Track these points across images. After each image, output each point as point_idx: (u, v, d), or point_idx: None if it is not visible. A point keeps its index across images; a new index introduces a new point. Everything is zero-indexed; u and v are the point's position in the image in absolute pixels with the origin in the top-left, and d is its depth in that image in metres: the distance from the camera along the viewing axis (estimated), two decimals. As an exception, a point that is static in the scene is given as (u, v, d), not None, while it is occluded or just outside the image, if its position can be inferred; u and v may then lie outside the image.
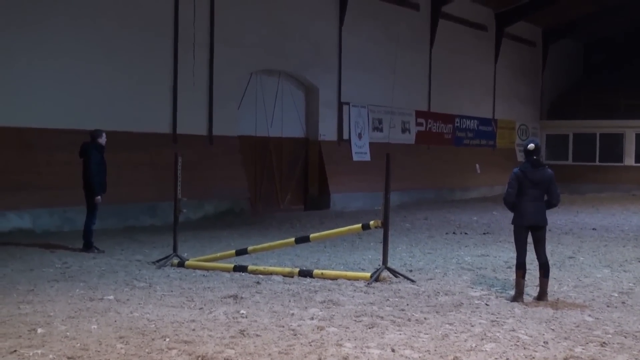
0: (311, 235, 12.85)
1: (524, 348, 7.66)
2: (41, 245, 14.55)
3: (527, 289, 10.56)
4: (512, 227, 10.35)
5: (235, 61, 21.70)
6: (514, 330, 8.37)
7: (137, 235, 16.55)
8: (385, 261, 11.39)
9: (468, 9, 32.22)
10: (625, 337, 8.19)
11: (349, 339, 7.84)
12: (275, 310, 9.16)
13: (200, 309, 9.21)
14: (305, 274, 11.54)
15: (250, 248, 12.89)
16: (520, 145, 36.23)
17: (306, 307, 9.35)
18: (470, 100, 33.36)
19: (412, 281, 11.25)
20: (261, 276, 11.51)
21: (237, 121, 22.26)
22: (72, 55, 17.67)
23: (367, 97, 26.85)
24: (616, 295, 10.57)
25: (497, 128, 35.60)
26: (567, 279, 11.72)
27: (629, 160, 37.29)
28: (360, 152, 26.51)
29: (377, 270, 11.33)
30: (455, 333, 8.18)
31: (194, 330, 8.11)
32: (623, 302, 10.08)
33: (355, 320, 8.66)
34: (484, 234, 18.07)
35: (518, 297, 10.02)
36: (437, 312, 9.22)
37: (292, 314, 8.94)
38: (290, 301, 9.74)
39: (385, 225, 11.24)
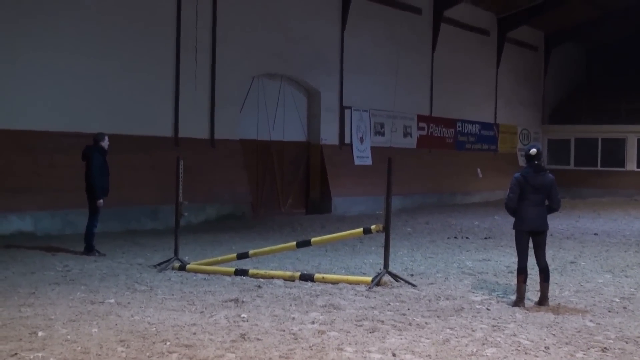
0: (312, 239, 12.84)
1: (525, 353, 7.65)
2: (42, 248, 14.55)
3: (528, 294, 10.55)
4: (513, 232, 10.35)
5: (237, 65, 21.72)
6: (515, 335, 8.36)
7: (138, 239, 16.55)
8: (386, 265, 11.38)
9: (470, 14, 32.22)
10: (627, 343, 8.18)
11: (349, 344, 7.83)
12: (276, 314, 9.16)
13: (201, 312, 9.21)
14: (307, 278, 11.54)
15: (251, 252, 12.88)
16: (522, 149, 36.20)
17: (307, 311, 9.35)
18: (472, 105, 33.35)
19: (413, 285, 11.25)
20: (262, 280, 11.51)
21: (239, 125, 22.26)
22: (74, 58, 17.68)
23: (369, 101, 26.85)
24: (617, 300, 10.56)
25: (498, 132, 35.59)
26: (568, 284, 11.71)
27: (631, 165, 37.27)
28: (362, 156, 26.50)
29: (379, 274, 11.33)
30: (457, 338, 8.17)
31: (194, 334, 8.11)
32: (624, 308, 10.07)
33: (356, 325, 8.66)
34: (486, 238, 18.06)
35: (519, 302, 10.02)
36: (438, 316, 9.21)
37: (293, 318, 8.94)
38: (291, 305, 9.73)
39: (386, 230, 11.23)
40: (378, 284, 11.11)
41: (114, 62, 18.51)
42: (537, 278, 10.35)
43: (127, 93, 18.83)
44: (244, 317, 8.91)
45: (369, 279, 11.32)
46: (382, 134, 27.60)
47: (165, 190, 17.17)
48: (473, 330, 8.52)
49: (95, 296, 10.11)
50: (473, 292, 10.92)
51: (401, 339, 8.08)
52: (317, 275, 11.60)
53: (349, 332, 8.32)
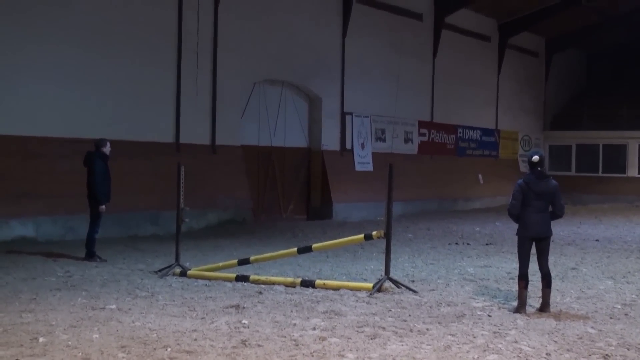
0: (313, 245, 12.84)
1: (527, 360, 7.65)
2: (44, 253, 14.56)
3: (529, 300, 10.54)
4: (515, 238, 10.35)
5: (238, 71, 21.74)
6: (516, 341, 8.35)
7: (139, 245, 16.55)
8: (387, 272, 11.38)
9: (471, 20, 32.25)
10: (628, 349, 8.17)
11: (350, 350, 7.82)
12: (277, 320, 9.15)
13: (202, 318, 9.20)
14: (308, 284, 11.54)
15: (252, 258, 12.88)
16: (523, 155, 36.21)
17: (308, 318, 9.34)
18: (473, 111, 33.35)
19: (415, 292, 11.24)
20: (263, 286, 11.50)
21: (240, 131, 22.28)
22: (75, 64, 17.71)
23: (370, 107, 26.86)
24: (619, 307, 10.55)
25: (500, 138, 35.58)
26: (569, 291, 11.70)
27: (632, 171, 37.26)
28: (363, 162, 26.51)
29: (380, 280, 11.32)
30: (458, 344, 8.16)
31: (195, 340, 8.10)
32: (626, 314, 10.06)
33: (357, 331, 8.65)
34: (487, 244, 18.05)
35: (521, 308, 10.02)
36: (439, 323, 9.21)
37: (294, 324, 8.93)
38: (292, 311, 9.72)
39: (387, 236, 11.24)
40: (379, 290, 11.10)
41: (115, 68, 18.53)
42: (539, 284, 10.34)
43: (129, 99, 18.85)
44: (245, 323, 8.91)
45: (370, 285, 11.32)
46: (383, 140, 27.61)
47: (167, 196, 17.18)
48: (474, 337, 8.51)
49: (96, 302, 10.11)
50: (474, 299, 10.91)
51: (402, 345, 8.07)
52: (318, 282, 11.60)
53: (350, 338, 8.31)
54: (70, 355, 7.40)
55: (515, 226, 10.29)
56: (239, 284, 11.68)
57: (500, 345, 8.15)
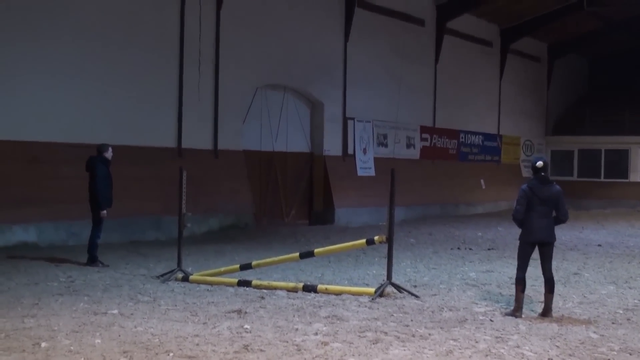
0: (315, 250, 12.85)
1: (529, 365, 7.64)
2: (46, 259, 14.57)
3: (532, 305, 10.53)
4: (517, 242, 10.34)
5: (240, 76, 21.76)
6: (518, 346, 8.35)
7: (141, 250, 16.56)
8: (389, 276, 11.37)
9: (473, 25, 32.28)
10: (631, 355, 8.16)
11: (353, 355, 7.82)
12: (279, 325, 9.15)
13: (204, 323, 9.20)
14: (310, 289, 11.53)
15: (254, 263, 12.87)
16: (525, 160, 36.22)
17: (310, 322, 9.34)
18: (475, 116, 33.37)
19: (417, 297, 11.24)
20: (265, 291, 11.50)
21: (242, 136, 22.30)
22: (78, 70, 17.74)
23: (371, 112, 26.88)
24: (621, 312, 10.54)
25: (502, 144, 35.58)
26: (572, 296, 11.69)
27: (634, 176, 37.23)
28: (365, 167, 26.52)
29: (382, 285, 11.32)
30: (460, 349, 8.16)
31: (197, 345, 8.10)
32: (628, 319, 10.05)
33: (359, 336, 8.65)
34: (489, 249, 18.04)
35: (516, 311, 10.04)
36: (441, 327, 9.20)
37: (296, 329, 8.93)
38: (294, 316, 9.72)
39: (389, 241, 11.23)
40: (381, 295, 11.10)
41: (117, 74, 18.55)
42: (542, 289, 10.34)
43: (131, 104, 18.87)
44: (247, 328, 8.91)
45: (372, 290, 11.31)
46: (385, 145, 27.62)
47: (169, 201, 17.19)
48: (476, 342, 8.50)
49: (98, 307, 10.11)
50: (476, 304, 10.91)
51: (404, 350, 8.07)
52: (320, 286, 11.59)
53: (352, 343, 8.31)
54: (72, 360, 7.41)
55: (518, 231, 10.30)
56: (241, 289, 11.68)
57: (502, 350, 8.14)
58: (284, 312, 10.01)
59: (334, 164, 25.30)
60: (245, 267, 12.71)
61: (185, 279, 12.35)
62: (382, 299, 10.95)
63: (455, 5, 29.86)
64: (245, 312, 9.87)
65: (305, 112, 25.03)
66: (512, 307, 10.23)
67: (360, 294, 11.23)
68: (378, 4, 26.82)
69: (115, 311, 9.83)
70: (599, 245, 19.30)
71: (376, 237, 11.56)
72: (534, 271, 10.32)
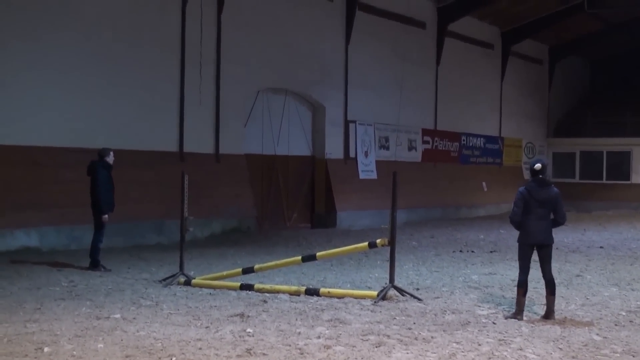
0: (318, 254, 12.85)
1: (532, 367, 7.63)
2: (48, 263, 14.56)
3: (534, 307, 10.52)
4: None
5: (241, 79, 21.77)
6: (521, 349, 8.34)
7: (143, 254, 16.55)
8: (392, 279, 11.37)
9: (474, 27, 32.29)
10: (634, 357, 8.15)
11: (355, 358, 7.81)
12: (281, 329, 9.15)
13: (207, 327, 9.20)
14: (312, 292, 11.53)
15: (256, 266, 12.87)
16: (527, 163, 36.20)
17: (313, 326, 9.33)
18: (477, 118, 33.38)
19: (419, 299, 11.23)
20: (268, 295, 11.50)
21: (244, 139, 22.30)
22: (79, 74, 17.73)
23: (373, 115, 26.88)
24: (624, 314, 10.53)
25: (503, 146, 35.59)
26: (574, 298, 11.68)
27: (636, 177, 37.22)
28: (367, 170, 26.52)
29: (384, 288, 11.31)
30: (463, 352, 8.15)
31: (200, 349, 8.10)
32: (631, 321, 10.04)
33: (362, 339, 8.64)
34: (491, 252, 18.03)
35: (517, 314, 10.04)
36: (444, 330, 9.19)
37: (299, 333, 8.92)
38: (297, 320, 9.72)
39: (391, 244, 11.24)
40: (384, 298, 11.09)
41: (119, 78, 18.55)
42: (544, 291, 10.33)
43: (132, 108, 18.87)
44: (249, 332, 8.90)
45: (375, 293, 11.30)
46: (387, 148, 27.63)
47: (171, 205, 17.19)
48: (479, 345, 8.49)
49: (100, 311, 10.11)
50: (479, 306, 10.90)
51: (407, 353, 8.06)
52: (322, 290, 11.59)
53: (355, 346, 8.30)
54: (75, 365, 7.40)
55: (518, 233, 10.29)
56: (244, 293, 11.68)
57: (505, 353, 8.13)
58: (286, 315, 10.00)
59: (335, 167, 25.30)
60: (248, 270, 12.70)
61: (188, 283, 12.35)
62: (385, 302, 10.95)
63: (457, 7, 29.87)
64: (248, 316, 9.87)
65: (307, 115, 25.04)
66: (514, 310, 10.22)
67: (362, 297, 11.22)
68: (379, 7, 26.84)
69: (118, 315, 9.82)
70: (601, 247, 19.29)
71: (378, 240, 11.56)
72: (536, 273, 10.31)
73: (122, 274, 13.56)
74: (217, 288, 12.03)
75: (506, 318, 10.00)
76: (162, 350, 8.02)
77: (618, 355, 8.19)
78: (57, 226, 17.02)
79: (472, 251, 18.11)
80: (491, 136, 34.55)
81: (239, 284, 12.10)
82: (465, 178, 32.20)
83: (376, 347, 8.30)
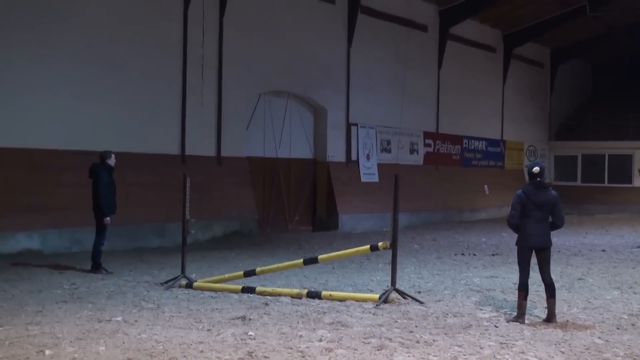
0: (319, 257, 12.83)
1: (534, 371, 7.62)
2: (50, 266, 14.57)
3: (536, 311, 10.51)
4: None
5: (243, 82, 21.78)
6: (523, 352, 8.33)
7: (145, 256, 16.56)
8: (393, 282, 11.36)
9: (476, 31, 32.31)
10: (636, 360, 8.14)
11: (357, 361, 7.81)
12: (283, 331, 9.14)
13: (209, 330, 9.19)
14: (314, 295, 11.52)
15: (258, 269, 12.86)
16: (527, 166, 36.18)
17: (314, 329, 9.33)
18: (479, 121, 33.39)
19: (421, 303, 11.22)
20: (269, 297, 11.49)
21: (246, 142, 22.31)
22: (81, 77, 17.75)
23: (375, 118, 26.90)
24: (626, 317, 10.51)
25: (505, 149, 35.59)
26: (576, 301, 11.67)
27: (638, 181, 37.24)
28: (369, 173, 26.52)
29: (386, 291, 11.30)
30: (464, 355, 8.14)
31: (202, 352, 8.09)
32: (633, 325, 10.03)
33: (363, 342, 8.63)
34: (493, 255, 18.02)
35: (519, 318, 10.03)
36: (445, 333, 9.18)
37: (301, 336, 8.92)
38: (298, 322, 9.71)
39: (393, 247, 11.22)
40: (385, 301, 11.08)
41: (121, 81, 18.57)
42: (545, 295, 10.32)
43: (134, 111, 18.88)
44: (251, 335, 8.89)
45: (377, 296, 11.29)
46: (389, 151, 27.62)
47: (172, 207, 17.18)
48: (481, 348, 8.48)
49: (102, 314, 10.11)
50: (481, 309, 10.89)
51: (409, 356, 8.05)
52: (324, 293, 11.58)
53: (357, 349, 8.29)
54: (76, 368, 7.40)
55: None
56: (245, 296, 11.67)
57: (507, 356, 8.12)
58: (288, 318, 10.00)
59: (337, 170, 25.30)
60: (249, 273, 12.69)
61: (189, 285, 12.34)
62: (387, 305, 10.94)
63: (458, 10, 29.90)
64: (250, 319, 9.86)
65: (309, 118, 25.05)
66: (515, 313, 10.21)
67: (364, 300, 11.21)
68: (381, 10, 26.86)
69: (119, 318, 9.82)
70: (603, 250, 19.26)
71: (380, 243, 11.55)
72: (537, 276, 10.30)
73: (123, 277, 13.56)
74: (219, 291, 12.02)
75: (508, 321, 10.00)
76: (163, 353, 8.02)
77: (620, 358, 8.18)
78: (59, 229, 17.03)
79: (474, 254, 18.10)
80: (493, 139, 34.56)
81: (240, 286, 12.09)
82: (467, 181, 32.21)
83: (378, 350, 8.29)
